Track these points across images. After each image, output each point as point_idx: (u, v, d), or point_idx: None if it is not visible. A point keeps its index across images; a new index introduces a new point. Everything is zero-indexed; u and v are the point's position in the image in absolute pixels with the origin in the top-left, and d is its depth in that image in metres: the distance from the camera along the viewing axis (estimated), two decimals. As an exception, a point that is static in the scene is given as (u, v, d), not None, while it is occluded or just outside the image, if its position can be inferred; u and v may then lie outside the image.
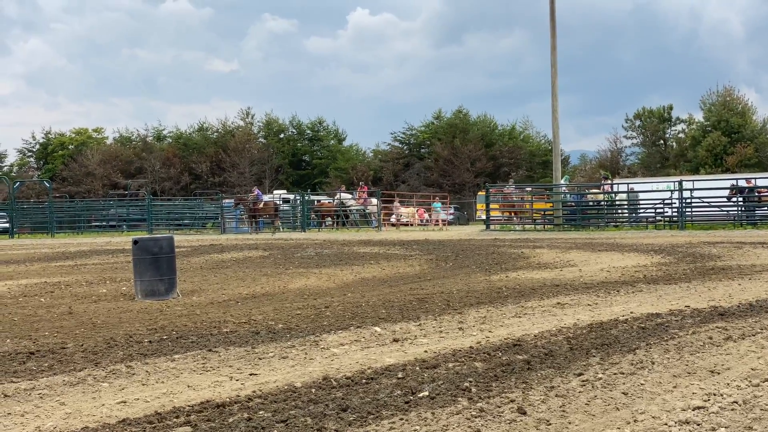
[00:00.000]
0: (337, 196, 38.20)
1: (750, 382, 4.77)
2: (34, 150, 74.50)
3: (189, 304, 9.62)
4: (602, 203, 32.38)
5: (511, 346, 6.04)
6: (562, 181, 34.22)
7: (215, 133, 71.37)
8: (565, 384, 4.80)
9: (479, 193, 45.58)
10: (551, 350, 5.83)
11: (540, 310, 8.20)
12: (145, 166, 65.85)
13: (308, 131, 72.91)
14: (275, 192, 48.46)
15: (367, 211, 38.07)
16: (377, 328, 7.14)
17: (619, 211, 32.30)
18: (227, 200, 39.73)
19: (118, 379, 5.34)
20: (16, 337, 7.18)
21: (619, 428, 3.94)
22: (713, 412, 4.15)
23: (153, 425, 4.18)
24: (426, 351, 6.01)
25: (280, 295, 10.40)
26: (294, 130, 73.33)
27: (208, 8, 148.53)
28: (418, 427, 4.01)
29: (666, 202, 29.73)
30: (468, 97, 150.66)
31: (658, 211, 30.30)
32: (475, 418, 4.15)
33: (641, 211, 31.36)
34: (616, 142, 68.28)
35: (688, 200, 28.90)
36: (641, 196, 32.63)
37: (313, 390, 4.83)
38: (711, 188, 30.55)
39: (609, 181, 34.80)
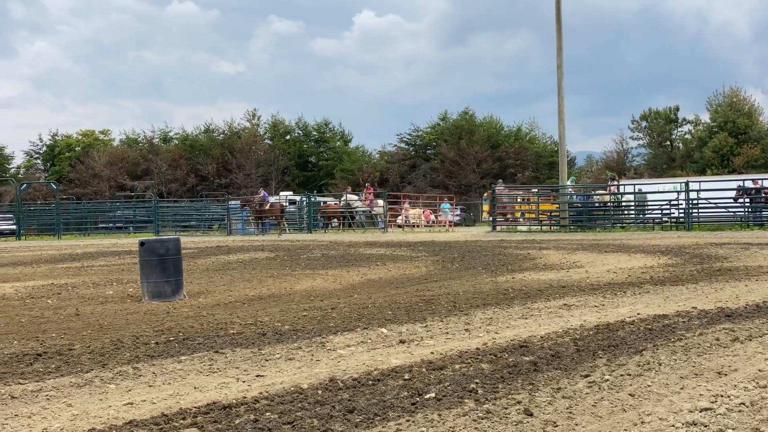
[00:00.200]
0: (344, 197, 38.22)
1: (757, 383, 4.76)
2: (41, 152, 74.80)
3: (195, 305, 9.63)
4: (608, 204, 32.34)
5: (517, 348, 6.03)
6: (569, 183, 34.18)
7: (221, 135, 71.53)
8: (572, 385, 4.79)
9: (485, 194, 45.58)
10: (558, 351, 5.82)
11: (546, 311, 8.19)
12: (152, 168, 66.03)
13: (314, 133, 73.00)
14: (281, 193, 48.55)
15: (373, 212, 38.08)
16: (384, 330, 7.14)
17: (626, 212, 32.25)
18: (233, 202, 39.79)
19: (124, 381, 5.35)
20: (23, 339, 7.19)
21: (626, 430, 3.93)
22: (720, 414, 4.14)
23: (160, 427, 4.19)
24: (432, 352, 6.01)
25: (287, 296, 10.40)
26: (300, 132, 73.45)
27: (214, 10, 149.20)
28: (424, 429, 4.01)
29: (672, 203, 29.69)
30: (474, 98, 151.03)
31: (664, 212, 30.26)
32: (482, 419, 4.14)
33: (648, 212, 31.33)
34: (622, 143, 68.36)
35: (695, 201, 28.85)
36: (648, 197, 32.59)
37: (320, 391, 4.83)
38: (717, 189, 30.50)
39: (615, 182, 34.75)
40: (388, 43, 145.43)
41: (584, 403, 4.41)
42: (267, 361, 5.91)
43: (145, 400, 4.79)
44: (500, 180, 39.29)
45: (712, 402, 4.35)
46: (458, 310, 8.35)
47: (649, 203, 31.96)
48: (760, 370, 5.11)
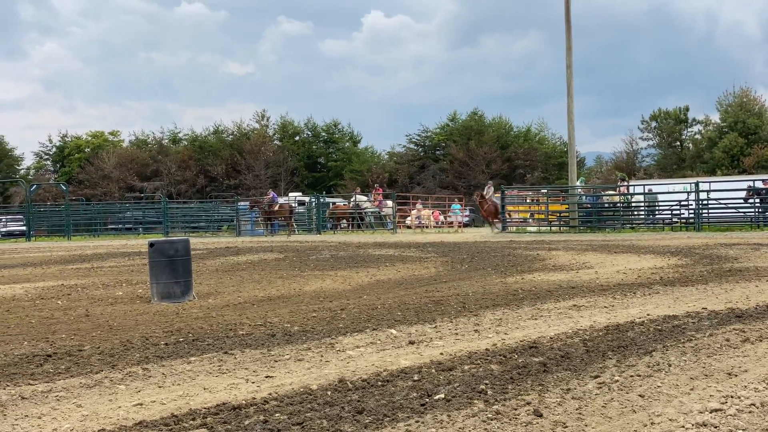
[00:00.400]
0: (353, 198, 38.24)
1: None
2: (51, 153, 75.11)
3: (205, 306, 9.65)
4: (618, 205, 32.28)
5: (527, 349, 6.02)
6: (578, 183, 34.11)
7: (230, 136, 71.65)
8: (582, 386, 4.78)
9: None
10: (567, 352, 5.80)
11: (556, 312, 8.17)
12: (161, 169, 66.17)
13: (323, 133, 73.07)
14: (290, 194, 48.62)
15: (382, 213, 38.10)
16: (393, 331, 7.13)
17: (635, 212, 32.16)
18: (242, 203, 39.87)
19: (134, 382, 5.36)
20: (33, 340, 7.22)
21: (636, 431, 3.92)
22: (730, 415, 4.12)
23: (169, 427, 4.19)
24: (442, 353, 6.00)
25: (296, 297, 10.41)
26: (309, 133, 73.52)
27: (223, 11, 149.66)
28: (434, 430, 4.00)
29: (682, 203, 29.60)
30: (483, 98, 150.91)
31: (674, 212, 30.17)
32: (491, 420, 4.14)
33: (657, 212, 31.24)
34: (632, 143, 68.12)
35: (705, 202, 28.75)
36: (658, 197, 32.51)
37: (329, 392, 4.83)
38: (728, 190, 30.39)
39: (626, 183, 34.68)
40: (397, 43, 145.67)
41: (594, 403, 4.40)
42: (276, 362, 5.92)
43: (154, 401, 4.80)
44: (490, 181, 39.17)
45: (723, 403, 4.33)
46: (468, 311, 8.34)
47: (659, 204, 31.88)
48: (770, 371, 5.09)
